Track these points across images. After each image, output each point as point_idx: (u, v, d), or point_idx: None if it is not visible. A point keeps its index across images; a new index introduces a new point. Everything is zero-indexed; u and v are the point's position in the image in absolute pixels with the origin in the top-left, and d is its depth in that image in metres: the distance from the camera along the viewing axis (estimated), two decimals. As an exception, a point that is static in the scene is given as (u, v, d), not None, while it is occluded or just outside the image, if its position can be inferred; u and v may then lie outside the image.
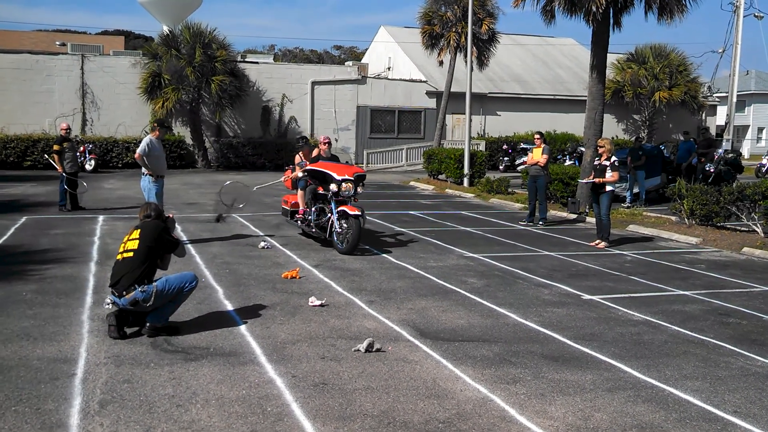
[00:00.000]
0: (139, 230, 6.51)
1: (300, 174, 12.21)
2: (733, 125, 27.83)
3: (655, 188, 19.58)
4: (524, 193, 18.01)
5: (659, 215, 16.15)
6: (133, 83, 27.39)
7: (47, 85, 27.07)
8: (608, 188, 12.27)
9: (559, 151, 30.05)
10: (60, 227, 12.50)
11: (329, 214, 11.01)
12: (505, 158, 31.02)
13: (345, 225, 10.65)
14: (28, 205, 15.50)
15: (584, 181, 14.17)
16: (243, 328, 6.75)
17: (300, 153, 12.87)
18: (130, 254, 6.34)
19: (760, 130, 58.09)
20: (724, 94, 33.74)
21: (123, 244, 6.54)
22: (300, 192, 12.19)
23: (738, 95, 27.92)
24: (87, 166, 24.08)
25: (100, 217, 13.81)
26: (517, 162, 29.78)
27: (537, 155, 14.65)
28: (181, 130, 28.29)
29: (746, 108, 56.64)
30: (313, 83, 30.71)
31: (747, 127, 57.04)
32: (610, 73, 29.56)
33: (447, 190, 22.03)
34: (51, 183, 19.76)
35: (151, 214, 6.70)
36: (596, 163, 12.57)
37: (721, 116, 40.74)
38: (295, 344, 6.31)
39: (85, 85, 27.61)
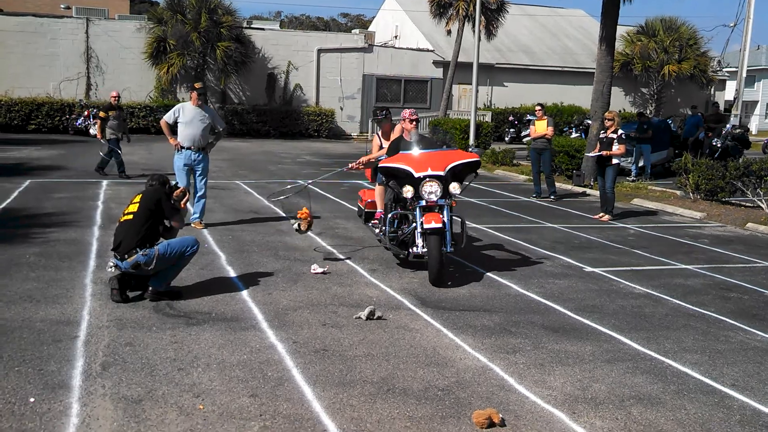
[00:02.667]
0: (140, 195, 6.57)
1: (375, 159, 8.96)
2: (741, 100, 27.55)
3: (661, 162, 19.48)
4: (530, 165, 17.96)
5: (664, 189, 16.10)
6: (138, 48, 27.21)
7: (52, 48, 26.88)
8: (614, 161, 12.21)
9: (565, 124, 29.88)
10: (64, 191, 12.51)
11: (414, 224, 7.76)
12: (511, 130, 30.86)
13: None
14: (32, 169, 15.49)
15: (591, 154, 14.08)
16: (245, 293, 6.78)
17: (378, 132, 9.29)
18: (130, 217, 6.39)
19: (770, 105, 57.57)
20: (733, 69, 33.34)
21: (126, 208, 6.58)
22: (378, 188, 8.75)
23: (748, 70, 27.55)
24: (91, 131, 24.02)
25: (104, 182, 13.81)
26: (523, 134, 29.63)
27: (541, 128, 14.53)
28: (185, 96, 28.14)
29: (756, 83, 56.09)
30: (319, 51, 30.46)
31: (756, 102, 56.55)
32: (619, 46, 29.26)
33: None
34: (55, 147, 19.77)
35: (153, 183, 6.72)
36: (603, 135, 12.48)
37: (730, 91, 40.34)
38: (296, 311, 6.33)
39: (89, 49, 27.41)
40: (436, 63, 32.33)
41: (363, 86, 31.29)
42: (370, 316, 6.16)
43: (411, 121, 8.54)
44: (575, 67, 34.79)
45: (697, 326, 6.52)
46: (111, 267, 6.38)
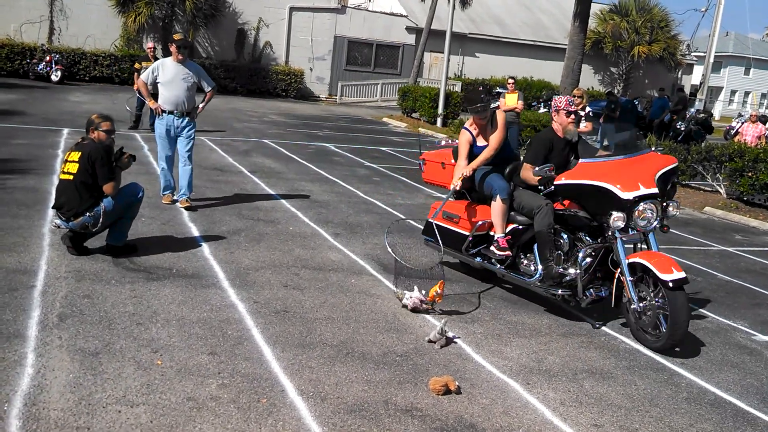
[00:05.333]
0: (79, 153, 6.07)
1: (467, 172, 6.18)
2: (707, 86, 28.00)
3: (625, 142, 19.70)
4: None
5: (627, 169, 16.31)
6: (104, -7, 26.41)
7: (13, -12, 25.92)
8: (580, 139, 12.30)
9: (534, 98, 30.01)
10: (22, 138, 12.18)
11: (585, 258, 5.70)
12: (480, 101, 30.84)
13: (650, 297, 5.41)
14: (-11, 113, 15.04)
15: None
16: (206, 251, 6.73)
17: (471, 120, 6.61)
18: (70, 177, 6.03)
19: (733, 92, 58.57)
20: (701, 54, 33.79)
21: (64, 164, 6.18)
22: (500, 205, 6.06)
23: (715, 56, 27.98)
24: (53, 77, 23.39)
25: (65, 130, 13.48)
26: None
27: (512, 101, 14.58)
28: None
29: (722, 69, 56.92)
30: (291, 9, 29.96)
31: (721, 88, 57.46)
32: (592, 23, 29.35)
33: (419, 128, 21.92)
34: (15, 91, 19.20)
35: (88, 128, 6.21)
36: (570, 112, 12.56)
37: (696, 75, 40.93)
38: (258, 271, 6.31)
39: (53, -8, 26.50)
40: (409, 29, 32.07)
41: (334, 48, 30.93)
42: (442, 334, 5.04)
43: (569, 113, 6.16)
44: (547, 42, 34.85)
45: (651, 305, 6.67)
46: (54, 226, 6.19)
